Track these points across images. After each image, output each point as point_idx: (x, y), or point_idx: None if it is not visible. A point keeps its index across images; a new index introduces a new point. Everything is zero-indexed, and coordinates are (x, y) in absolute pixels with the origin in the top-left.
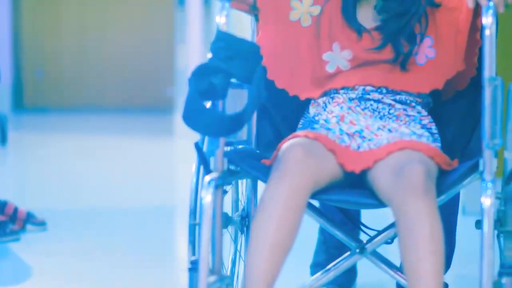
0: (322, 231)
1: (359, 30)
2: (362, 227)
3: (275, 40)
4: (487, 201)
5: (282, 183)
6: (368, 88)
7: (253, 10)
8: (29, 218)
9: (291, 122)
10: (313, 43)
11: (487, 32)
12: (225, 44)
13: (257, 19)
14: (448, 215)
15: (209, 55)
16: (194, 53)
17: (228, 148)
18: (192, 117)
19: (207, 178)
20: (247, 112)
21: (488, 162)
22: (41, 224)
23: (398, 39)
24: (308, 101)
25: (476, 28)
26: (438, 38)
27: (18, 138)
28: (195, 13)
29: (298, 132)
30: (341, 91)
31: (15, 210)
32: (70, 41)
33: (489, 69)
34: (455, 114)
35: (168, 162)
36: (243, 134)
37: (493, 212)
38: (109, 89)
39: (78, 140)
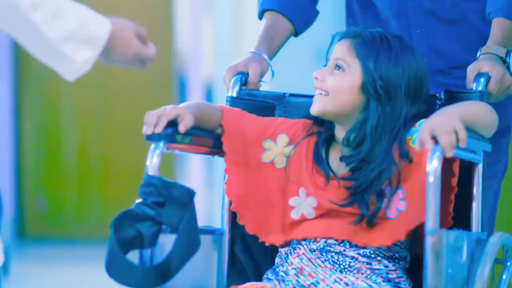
0: None
1: (328, 175)
2: None
3: (245, 184)
4: None
5: None
6: (330, 241)
7: (215, 152)
8: None
9: (261, 266)
10: (283, 186)
11: (430, 178)
12: (154, 190)
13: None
14: None
15: (138, 200)
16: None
17: None
18: (114, 269)
19: None
20: (174, 263)
21: None
22: None
23: (365, 197)
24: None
25: (453, 174)
26: (410, 189)
27: (21, 270)
28: None
29: (247, 285)
30: (303, 242)
31: None
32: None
33: (432, 220)
34: None
35: None
36: None
37: None
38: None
39: (82, 272)
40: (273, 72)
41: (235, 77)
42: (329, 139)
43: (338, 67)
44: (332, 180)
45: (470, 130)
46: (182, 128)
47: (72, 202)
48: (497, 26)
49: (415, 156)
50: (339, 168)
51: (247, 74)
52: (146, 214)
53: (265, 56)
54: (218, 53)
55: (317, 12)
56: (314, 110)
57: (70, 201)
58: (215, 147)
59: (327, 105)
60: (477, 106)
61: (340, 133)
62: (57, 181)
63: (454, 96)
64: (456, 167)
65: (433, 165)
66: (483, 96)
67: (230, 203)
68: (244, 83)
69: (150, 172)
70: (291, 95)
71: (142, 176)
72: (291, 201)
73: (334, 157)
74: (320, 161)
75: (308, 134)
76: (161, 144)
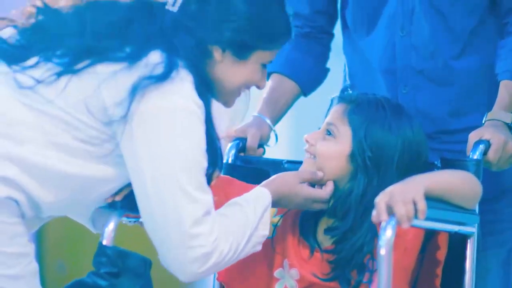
0: None
1: (312, 248)
2: None
3: None
4: None
5: None
6: None
7: None
8: None
9: None
10: (270, 256)
11: (382, 251)
12: (107, 260)
13: None
14: None
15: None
16: None
17: None
18: None
19: None
20: None
21: None
22: None
23: (346, 271)
24: None
25: (438, 247)
26: (394, 263)
27: None
28: None
29: None
30: None
31: None
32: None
33: None
34: None
35: None
36: None
37: None
38: None
39: None
40: (276, 136)
41: (231, 143)
42: (319, 211)
43: (329, 132)
44: (317, 252)
45: (444, 200)
46: None
47: (91, 266)
48: (505, 89)
49: (397, 228)
50: (325, 239)
51: (246, 139)
52: (98, 284)
53: (268, 121)
54: None
55: (326, 70)
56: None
57: (89, 265)
58: None
59: (314, 169)
60: (455, 175)
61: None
62: (77, 244)
63: (450, 164)
64: (442, 240)
65: (386, 237)
66: (480, 165)
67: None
68: (242, 149)
69: (104, 242)
70: (289, 162)
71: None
72: (276, 273)
73: (322, 229)
74: (305, 233)
75: None
76: (119, 212)
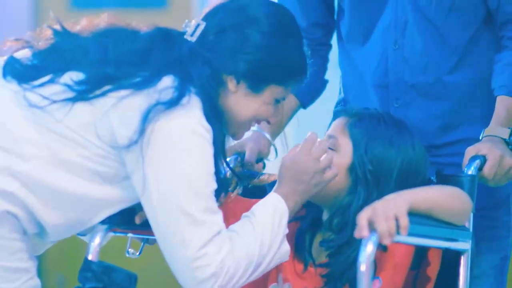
0: None
1: (306, 263)
2: None
3: None
4: None
5: None
6: None
7: None
8: None
9: None
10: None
11: (362, 267)
12: (92, 275)
13: None
14: None
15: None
16: None
17: None
18: None
19: None
20: None
21: None
22: None
23: (338, 286)
24: None
25: (428, 263)
26: (386, 278)
27: None
28: None
29: None
30: None
31: None
32: None
33: None
34: None
35: None
36: None
37: None
38: None
39: None
40: (276, 151)
41: (229, 158)
42: (316, 225)
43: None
44: (311, 267)
45: (429, 217)
46: (138, 219)
47: None
48: (501, 104)
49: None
50: (320, 254)
51: (244, 154)
52: None
53: (267, 135)
54: None
55: (325, 82)
56: None
57: None
58: None
59: None
60: (443, 192)
61: (325, 216)
62: (77, 259)
63: (445, 179)
64: (432, 256)
65: (366, 253)
66: (474, 180)
67: None
68: (241, 163)
69: (90, 257)
70: None
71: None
72: None
73: (317, 243)
74: (300, 248)
75: (293, 219)
76: (104, 226)
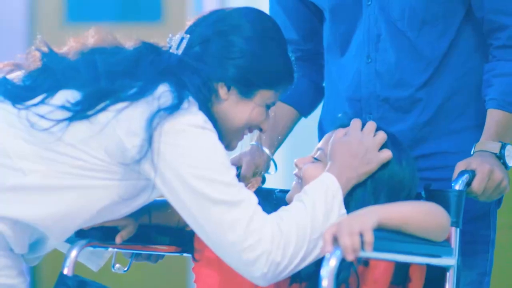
0: None
1: (292, 280)
2: None
3: (217, 284)
4: None
5: None
6: None
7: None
8: None
9: None
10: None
11: (324, 282)
12: None
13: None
14: None
15: None
16: None
17: None
18: None
19: None
20: None
21: None
22: None
23: None
24: None
25: (409, 279)
26: None
27: None
28: None
29: None
30: None
31: None
32: None
33: None
34: None
35: None
36: None
37: None
38: None
39: None
40: (276, 165)
41: None
42: None
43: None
44: (296, 283)
45: (400, 232)
46: (118, 239)
47: None
48: (491, 117)
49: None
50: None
51: (240, 168)
52: None
53: (265, 149)
54: None
55: (323, 88)
56: (288, 196)
57: None
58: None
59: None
60: (417, 207)
61: None
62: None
63: (432, 194)
64: (412, 272)
65: (329, 267)
66: (462, 195)
67: None
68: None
69: (65, 271)
70: (281, 191)
71: None
72: None
73: None
74: None
75: None
76: (83, 241)
